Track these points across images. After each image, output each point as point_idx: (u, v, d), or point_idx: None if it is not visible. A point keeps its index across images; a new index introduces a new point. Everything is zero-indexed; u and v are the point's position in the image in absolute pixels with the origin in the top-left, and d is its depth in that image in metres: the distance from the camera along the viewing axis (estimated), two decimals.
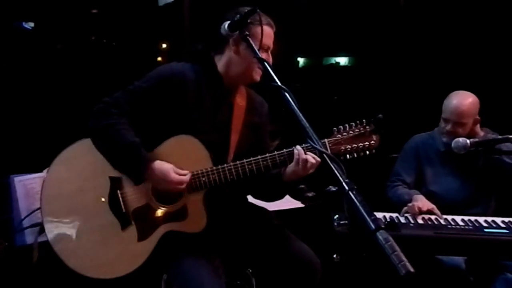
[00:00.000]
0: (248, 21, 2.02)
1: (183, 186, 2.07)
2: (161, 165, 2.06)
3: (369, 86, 4.91)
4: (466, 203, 2.91)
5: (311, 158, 2.05)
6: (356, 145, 2.12)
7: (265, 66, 1.70)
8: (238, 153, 2.22)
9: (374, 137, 2.14)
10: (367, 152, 2.15)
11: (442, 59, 4.36)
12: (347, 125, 2.14)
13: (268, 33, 2.17)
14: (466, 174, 2.95)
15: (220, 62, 2.23)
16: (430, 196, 2.87)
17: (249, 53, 2.09)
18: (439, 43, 4.37)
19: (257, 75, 2.20)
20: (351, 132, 2.13)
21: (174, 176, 2.05)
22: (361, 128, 2.13)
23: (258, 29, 2.06)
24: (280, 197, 2.36)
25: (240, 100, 2.32)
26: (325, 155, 1.34)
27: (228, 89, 2.27)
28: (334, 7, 5.20)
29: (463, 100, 2.86)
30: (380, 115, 2.13)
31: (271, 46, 2.21)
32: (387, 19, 4.70)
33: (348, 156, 2.13)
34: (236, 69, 2.22)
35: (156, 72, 2.20)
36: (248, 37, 1.89)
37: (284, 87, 1.54)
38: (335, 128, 2.13)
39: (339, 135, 2.12)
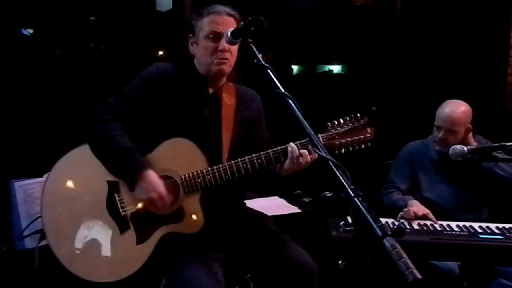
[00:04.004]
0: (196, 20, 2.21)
1: (162, 203, 2.08)
2: (155, 174, 2.08)
3: (362, 94, 4.93)
4: (460, 210, 2.95)
5: (305, 154, 2.07)
6: (350, 139, 2.12)
7: (268, 73, 1.64)
8: (234, 151, 2.23)
9: (369, 130, 2.14)
10: (363, 146, 2.14)
11: (436, 67, 4.39)
12: (341, 119, 2.14)
13: (210, 20, 2.20)
14: (459, 182, 2.99)
15: (195, 61, 2.29)
16: (424, 203, 2.90)
17: (203, 47, 2.20)
18: (433, 52, 4.41)
19: (218, 66, 2.20)
20: (345, 126, 2.12)
21: (163, 190, 2.07)
22: (355, 122, 2.13)
23: (200, 22, 2.21)
24: (277, 191, 2.37)
25: (228, 99, 2.33)
26: (330, 162, 1.32)
27: (212, 87, 2.30)
28: (328, 16, 5.23)
29: (456, 108, 2.90)
30: (374, 108, 2.13)
31: (219, 31, 2.16)
32: (380, 28, 4.73)
33: (343, 150, 2.13)
34: (200, 66, 2.27)
35: (143, 73, 2.25)
36: (251, 44, 1.79)
37: (287, 93, 1.52)
38: (329, 123, 2.13)
39: (333, 130, 2.12)
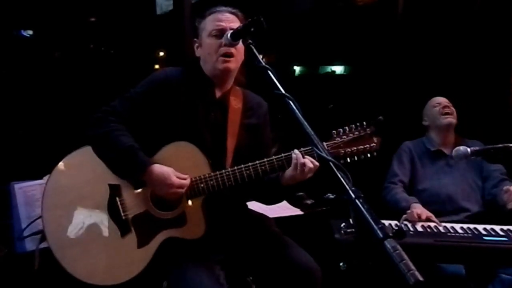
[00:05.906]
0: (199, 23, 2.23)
1: (183, 190, 2.07)
2: (161, 168, 2.07)
3: (365, 95, 4.92)
4: (460, 197, 3.04)
5: (309, 162, 2.04)
6: (356, 148, 2.10)
7: (268, 74, 1.62)
8: (237, 157, 2.22)
9: (375, 140, 2.12)
10: (368, 155, 2.12)
11: (439, 68, 4.37)
12: (346, 127, 2.12)
13: (213, 19, 2.21)
14: (457, 170, 3.12)
15: (201, 63, 2.28)
16: (424, 193, 3.06)
17: (207, 46, 2.20)
18: (436, 52, 4.39)
19: (224, 63, 2.17)
20: (350, 134, 2.10)
21: (175, 180, 2.05)
22: (361, 131, 2.11)
23: (203, 23, 2.23)
24: (278, 201, 2.36)
25: (236, 103, 2.31)
26: (331, 163, 1.30)
27: (220, 90, 2.29)
28: (330, 16, 5.22)
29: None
30: (381, 117, 2.10)
31: (222, 27, 2.16)
32: (383, 28, 4.71)
33: (348, 159, 2.11)
34: (205, 66, 2.26)
35: (151, 77, 2.24)
36: (251, 45, 1.75)
37: (288, 95, 1.50)
38: (334, 131, 2.11)
39: (339, 138, 2.10)
